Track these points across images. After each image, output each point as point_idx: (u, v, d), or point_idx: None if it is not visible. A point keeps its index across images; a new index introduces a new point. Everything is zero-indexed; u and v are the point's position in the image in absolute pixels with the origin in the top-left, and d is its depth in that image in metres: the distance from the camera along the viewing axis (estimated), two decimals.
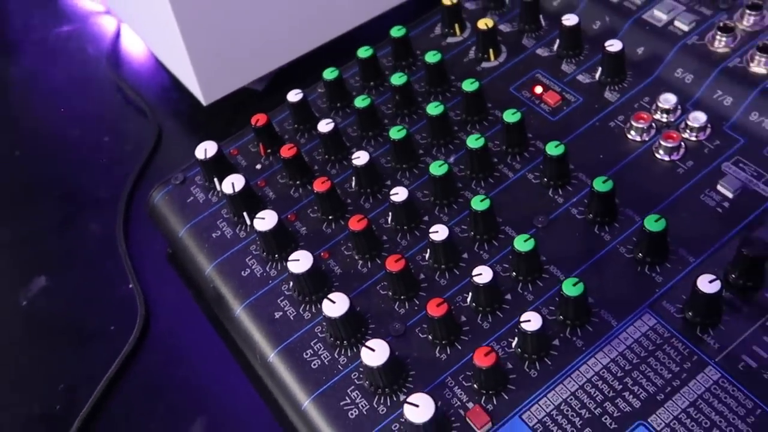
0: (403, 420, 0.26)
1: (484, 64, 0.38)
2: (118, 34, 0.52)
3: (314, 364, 0.29)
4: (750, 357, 0.26)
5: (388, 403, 0.28)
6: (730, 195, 0.31)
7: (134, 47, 0.51)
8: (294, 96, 0.36)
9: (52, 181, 0.44)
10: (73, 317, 0.37)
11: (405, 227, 0.32)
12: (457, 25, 0.39)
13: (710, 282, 0.26)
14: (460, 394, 0.27)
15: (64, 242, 0.40)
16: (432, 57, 0.36)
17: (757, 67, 0.33)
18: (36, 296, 0.38)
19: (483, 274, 0.28)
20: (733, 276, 0.28)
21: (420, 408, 0.25)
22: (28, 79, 0.51)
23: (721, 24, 0.35)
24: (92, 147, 0.46)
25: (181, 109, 0.46)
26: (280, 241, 0.32)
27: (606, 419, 0.26)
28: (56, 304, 0.38)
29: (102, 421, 0.33)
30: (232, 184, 0.33)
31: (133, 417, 0.33)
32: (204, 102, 0.41)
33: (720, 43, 0.34)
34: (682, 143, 0.33)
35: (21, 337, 0.37)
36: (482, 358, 0.26)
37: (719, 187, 0.31)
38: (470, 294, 0.29)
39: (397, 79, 0.36)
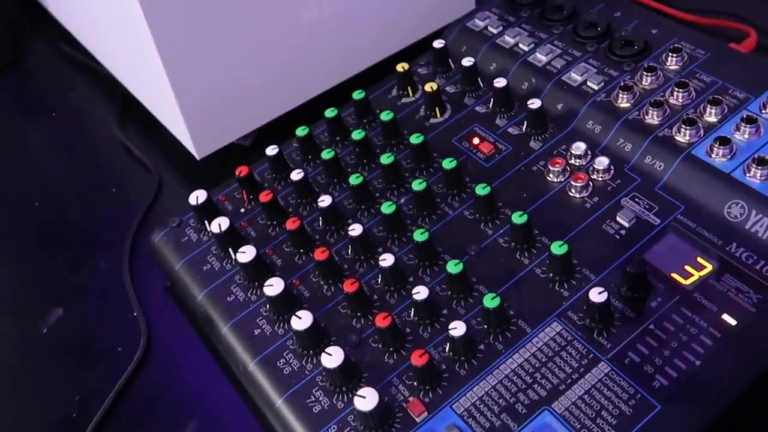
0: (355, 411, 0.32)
1: (432, 120, 0.45)
2: (124, 98, 0.59)
3: (285, 371, 0.36)
4: (634, 353, 0.33)
5: (345, 400, 0.34)
6: (626, 224, 0.37)
7: (138, 109, 0.58)
8: (271, 150, 0.43)
9: (66, 226, 0.51)
10: (86, 341, 0.44)
11: (362, 257, 0.39)
12: (409, 88, 0.47)
13: (599, 293, 0.33)
14: (403, 390, 0.34)
15: (77, 278, 0.47)
16: (386, 116, 0.43)
17: (650, 120, 0.40)
18: (54, 324, 0.44)
19: (421, 293, 0.35)
20: (624, 289, 0.35)
21: (366, 399, 0.31)
22: (46, 140, 0.59)
23: (623, 84, 0.42)
24: (101, 196, 0.53)
25: (179, 162, 0.53)
26: (259, 271, 0.39)
27: (518, 406, 0.32)
28: (71, 331, 0.44)
29: (111, 426, 0.39)
30: (219, 224, 0.40)
31: (138, 421, 0.39)
32: (197, 156, 0.48)
33: (622, 100, 0.42)
34: (590, 183, 0.39)
35: (42, 358, 0.43)
36: (417, 359, 0.33)
37: (618, 218, 0.38)
38: (413, 310, 0.36)
39: (358, 134, 0.43)
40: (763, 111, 0.39)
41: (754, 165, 0.36)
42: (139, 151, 0.54)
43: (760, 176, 0.36)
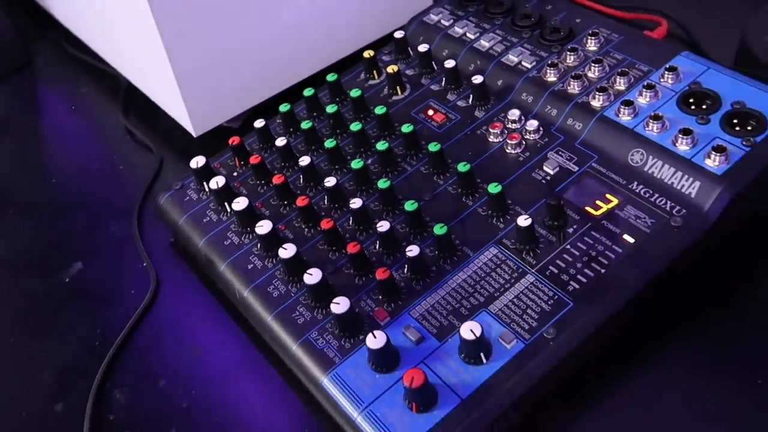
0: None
1: (394, 97, 0.54)
2: (127, 92, 0.67)
3: (274, 294, 0.43)
4: (554, 267, 0.41)
5: (324, 312, 0.42)
6: (551, 172, 0.46)
7: (140, 101, 0.66)
8: (258, 123, 0.51)
9: (81, 198, 0.59)
10: (103, 288, 0.51)
11: (336, 205, 0.47)
12: (375, 71, 0.55)
13: (525, 219, 0.41)
14: (370, 303, 0.42)
15: (93, 238, 0.55)
16: (355, 93, 0.52)
17: (572, 90, 0.49)
18: (75, 275, 0.52)
19: (384, 226, 0.43)
20: (546, 219, 0.43)
21: (340, 305, 0.39)
22: (60, 129, 0.67)
23: (550, 62, 0.50)
24: (111, 174, 0.60)
25: (177, 146, 0.61)
26: (251, 219, 0.46)
27: (462, 309, 0.40)
28: (91, 280, 0.52)
29: (128, 351, 0.47)
30: (217, 182, 0.48)
31: (149, 348, 0.47)
32: (195, 134, 0.56)
33: (550, 75, 0.50)
34: (523, 141, 0.48)
35: (67, 301, 0.51)
36: (381, 274, 0.40)
37: (544, 167, 0.46)
38: (378, 242, 0.44)
39: (331, 108, 0.51)
40: (662, 80, 0.48)
41: (651, 121, 0.45)
42: (143, 134, 0.62)
43: (657, 129, 0.45)
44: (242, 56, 0.56)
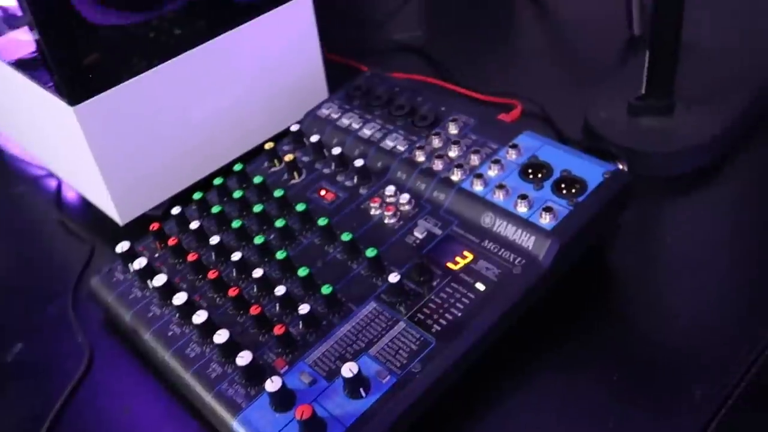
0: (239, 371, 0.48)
1: (292, 181, 0.63)
2: (59, 187, 0.75)
3: (191, 355, 0.51)
4: (421, 314, 0.50)
5: (232, 366, 0.49)
6: (420, 236, 0.55)
7: (71, 195, 0.74)
8: (175, 210, 0.60)
9: (21, 283, 0.66)
10: (43, 364, 0.58)
11: (242, 275, 0.55)
12: (275, 160, 0.64)
13: (394, 276, 0.50)
14: (272, 355, 0.50)
15: (31, 320, 0.61)
16: (257, 179, 0.61)
17: (436, 167, 0.59)
18: (16, 354, 0.59)
19: (280, 289, 0.51)
20: (415, 275, 0.52)
21: (244, 358, 0.47)
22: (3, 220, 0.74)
23: (419, 145, 0.61)
24: (47, 261, 0.68)
25: (106, 234, 0.69)
26: (170, 293, 0.54)
27: (347, 354, 0.48)
28: (31, 359, 0.58)
29: (65, 421, 0.53)
30: (139, 263, 0.56)
31: (84, 417, 0.54)
32: (121, 222, 0.64)
33: (419, 156, 0.60)
34: (398, 212, 0.57)
35: (9, 381, 0.57)
36: (278, 329, 0.49)
37: (415, 233, 0.55)
38: (277, 304, 0.52)
39: (237, 194, 0.60)
40: (507, 155, 0.58)
41: (497, 189, 0.55)
42: (75, 225, 0.70)
43: (502, 196, 0.55)
44: (161, 152, 0.65)
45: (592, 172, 0.55)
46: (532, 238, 0.52)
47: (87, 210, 0.71)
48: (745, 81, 0.69)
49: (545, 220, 0.52)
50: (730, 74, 0.70)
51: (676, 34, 0.63)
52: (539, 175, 0.56)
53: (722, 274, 0.56)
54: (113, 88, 0.60)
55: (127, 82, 0.61)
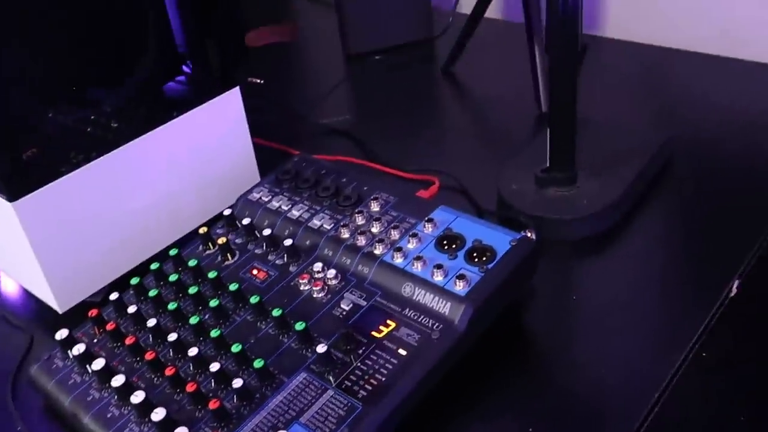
0: None
1: (226, 263, 0.66)
2: None
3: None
4: (348, 381, 0.53)
5: None
6: (346, 308, 0.59)
7: (10, 285, 0.75)
8: (113, 296, 0.63)
9: None
10: None
11: (179, 355, 0.58)
12: (209, 243, 0.68)
13: (321, 347, 0.54)
14: (208, 430, 0.52)
15: None
16: (192, 263, 0.64)
17: (360, 243, 0.63)
18: None
19: (215, 366, 0.54)
20: (341, 344, 0.56)
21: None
22: None
23: (344, 223, 0.65)
24: None
25: (46, 322, 0.70)
26: (108, 376, 0.57)
27: (279, 424, 0.51)
28: None
29: None
30: (78, 349, 0.58)
31: None
32: (60, 311, 0.67)
33: (344, 233, 0.65)
34: (325, 286, 0.61)
35: None
36: (213, 404, 0.51)
37: (342, 305, 0.59)
38: (212, 380, 0.55)
39: (173, 277, 0.63)
40: (424, 229, 0.63)
41: (416, 261, 0.60)
42: (15, 318, 0.72)
43: (420, 267, 0.59)
44: (99, 242, 0.68)
45: (500, 240, 0.60)
46: (448, 304, 0.56)
47: (27, 299, 0.73)
48: (638, 151, 0.76)
49: (459, 287, 0.57)
50: (624, 145, 0.78)
51: (571, 112, 0.70)
52: (453, 246, 0.61)
53: (627, 327, 0.61)
54: (52, 183, 0.64)
55: (66, 176, 0.65)
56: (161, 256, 0.70)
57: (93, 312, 0.62)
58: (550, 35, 0.69)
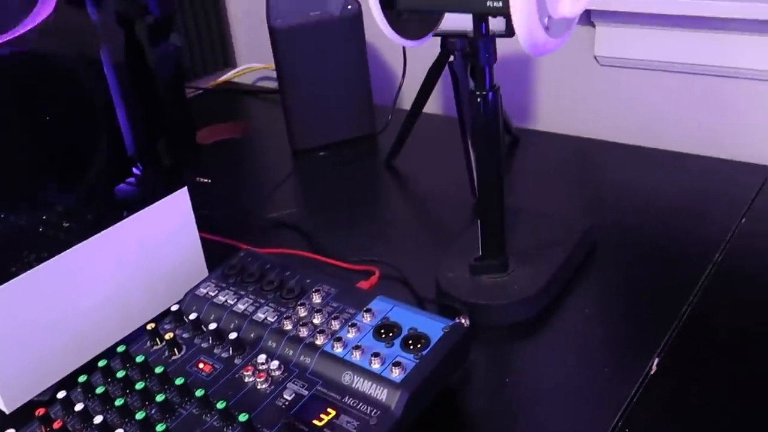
0: None
1: (173, 357, 0.69)
2: None
3: None
4: None
5: None
6: (289, 398, 0.61)
7: None
8: (60, 394, 0.64)
9: None
10: None
11: None
12: (157, 338, 0.70)
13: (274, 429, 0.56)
14: None
15: None
16: (140, 359, 0.66)
17: (302, 334, 0.66)
18: None
19: None
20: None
21: None
22: None
23: (286, 316, 0.68)
24: None
25: None
26: None
27: None
28: None
29: None
30: None
31: None
32: (7, 411, 0.68)
33: (287, 325, 0.68)
34: (269, 377, 0.64)
35: None
36: None
37: (284, 395, 0.62)
38: None
39: (120, 374, 0.65)
40: (362, 319, 0.67)
41: (354, 350, 0.63)
42: None
43: (358, 356, 0.63)
44: (48, 341, 0.70)
45: (433, 328, 0.64)
46: (385, 390, 0.59)
47: None
48: (565, 238, 0.82)
49: (395, 374, 0.60)
50: (552, 233, 0.83)
51: (499, 203, 0.75)
52: (390, 334, 0.65)
53: (558, 408, 0.65)
54: (3, 284, 0.66)
55: (17, 278, 0.67)
56: (110, 352, 0.72)
57: (40, 411, 0.63)
58: (473, 133, 0.74)
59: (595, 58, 1.14)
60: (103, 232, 0.74)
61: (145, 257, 0.78)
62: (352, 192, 1.06)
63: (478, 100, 0.70)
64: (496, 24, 0.71)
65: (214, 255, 0.85)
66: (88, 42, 0.76)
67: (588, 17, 1.11)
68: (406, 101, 1.12)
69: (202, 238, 0.84)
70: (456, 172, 1.01)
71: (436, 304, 0.78)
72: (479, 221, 0.77)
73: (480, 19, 0.67)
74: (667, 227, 0.88)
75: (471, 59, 0.69)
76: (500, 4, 0.60)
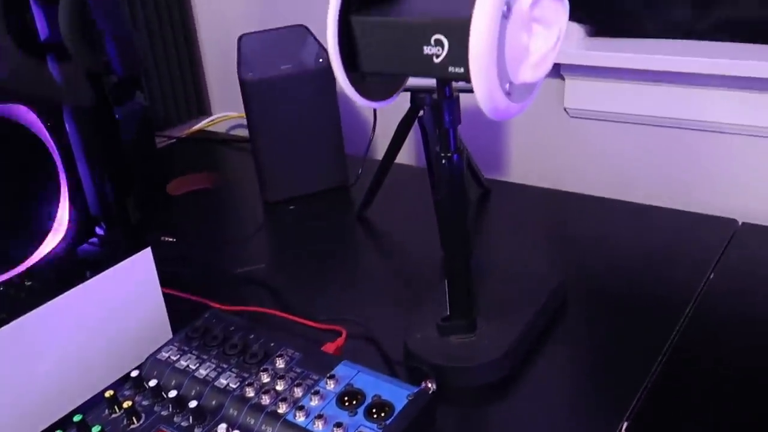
0: None
1: (132, 426, 0.67)
2: None
3: None
4: None
5: None
6: None
7: None
8: None
9: None
10: None
11: None
12: (116, 406, 0.68)
13: None
14: None
15: None
16: (96, 429, 0.64)
17: (264, 402, 0.65)
18: None
19: None
20: None
21: None
22: None
23: (248, 382, 0.67)
24: None
25: None
26: None
27: None
28: None
29: None
30: None
31: None
32: None
33: (249, 392, 0.66)
34: None
35: None
36: None
37: None
38: None
39: None
40: (326, 385, 0.65)
41: (317, 419, 0.61)
42: None
43: (321, 425, 0.61)
44: (5, 407, 0.67)
45: (398, 395, 0.63)
46: None
47: None
48: (534, 294, 0.81)
49: None
50: (522, 288, 0.83)
51: (465, 262, 0.75)
52: (354, 402, 0.63)
53: None
54: None
55: None
56: (66, 421, 0.70)
57: None
58: (438, 193, 0.74)
59: (565, 110, 1.15)
60: (64, 294, 0.72)
61: (108, 319, 0.76)
62: (323, 245, 1.05)
63: (443, 161, 0.70)
64: None
65: (182, 312, 0.84)
66: (49, 100, 0.75)
67: (558, 71, 1.12)
68: (379, 150, 1.12)
69: (169, 296, 0.82)
70: (428, 224, 1.00)
71: (405, 366, 0.76)
72: (446, 281, 0.76)
73: (443, 83, 0.67)
74: (636, 284, 0.88)
75: (436, 121, 0.69)
76: (461, 69, 0.60)
